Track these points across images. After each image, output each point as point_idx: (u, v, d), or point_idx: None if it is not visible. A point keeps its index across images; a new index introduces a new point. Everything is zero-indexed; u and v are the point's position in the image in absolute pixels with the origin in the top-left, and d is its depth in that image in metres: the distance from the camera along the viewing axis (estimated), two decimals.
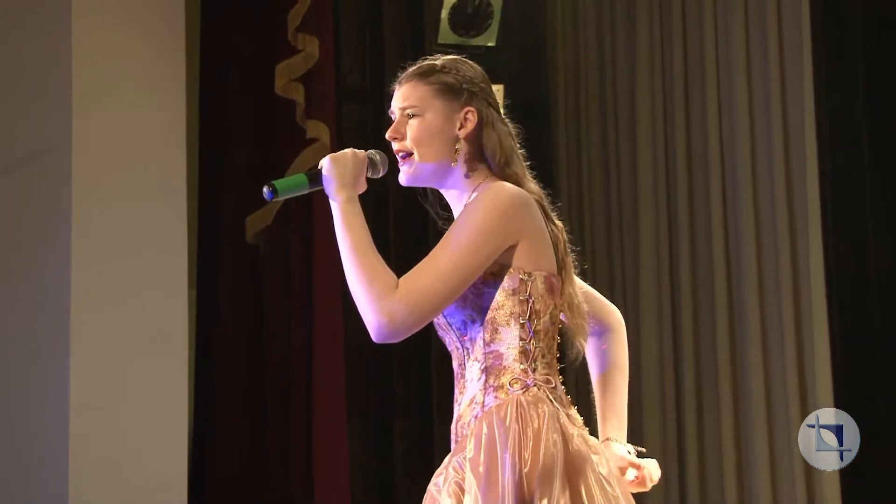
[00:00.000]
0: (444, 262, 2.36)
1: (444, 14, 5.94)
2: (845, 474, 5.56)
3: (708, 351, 6.07)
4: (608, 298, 6.72)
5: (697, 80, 6.19)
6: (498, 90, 5.78)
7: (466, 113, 2.52)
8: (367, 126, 6.00)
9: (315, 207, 5.32)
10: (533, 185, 2.55)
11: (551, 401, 2.41)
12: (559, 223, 2.57)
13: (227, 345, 5.46)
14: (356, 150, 2.50)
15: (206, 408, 5.43)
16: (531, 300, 2.42)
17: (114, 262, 4.78)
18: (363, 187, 2.48)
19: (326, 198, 2.47)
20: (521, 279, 2.42)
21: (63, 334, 4.65)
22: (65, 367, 4.63)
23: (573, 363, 2.58)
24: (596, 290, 6.69)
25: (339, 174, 2.44)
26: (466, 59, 2.60)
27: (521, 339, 2.42)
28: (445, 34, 5.96)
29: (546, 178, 7.16)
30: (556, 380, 2.47)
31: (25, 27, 4.91)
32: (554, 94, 6.63)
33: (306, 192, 2.48)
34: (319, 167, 2.47)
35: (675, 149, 6.22)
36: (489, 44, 6.03)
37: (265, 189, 2.44)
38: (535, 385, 2.41)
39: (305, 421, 5.34)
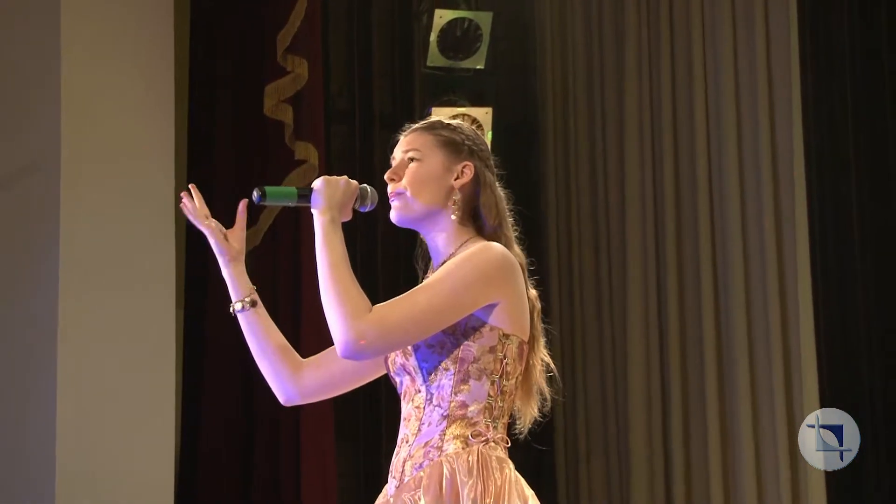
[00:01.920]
0: (422, 300, 2.42)
1: (433, 37, 5.96)
2: (831, 476, 5.59)
3: (695, 369, 6.09)
4: (595, 320, 6.71)
5: (686, 102, 6.21)
6: (487, 113, 5.84)
7: (464, 167, 2.59)
8: (355, 148, 6.02)
9: (303, 229, 5.32)
10: (518, 251, 2.61)
11: (510, 461, 2.48)
12: (534, 291, 2.62)
13: (215, 365, 5.45)
14: (350, 179, 2.57)
15: (192, 428, 5.42)
16: (505, 360, 2.49)
17: (102, 281, 4.78)
18: (348, 216, 2.55)
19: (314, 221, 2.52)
20: (500, 338, 2.48)
21: (50, 354, 4.64)
22: (51, 386, 4.62)
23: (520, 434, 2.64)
24: (584, 311, 6.69)
25: (328, 195, 2.52)
26: (471, 127, 2.71)
27: (490, 395, 2.48)
28: (434, 57, 5.98)
29: (534, 200, 7.21)
30: (509, 441, 2.53)
31: (13, 45, 4.92)
32: (543, 117, 6.66)
33: (292, 205, 2.58)
34: (312, 185, 2.54)
35: (664, 171, 6.24)
36: (478, 67, 6.05)
37: (255, 192, 2.55)
38: (493, 441, 2.48)
39: (293, 441, 5.32)
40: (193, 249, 5.53)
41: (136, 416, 4.80)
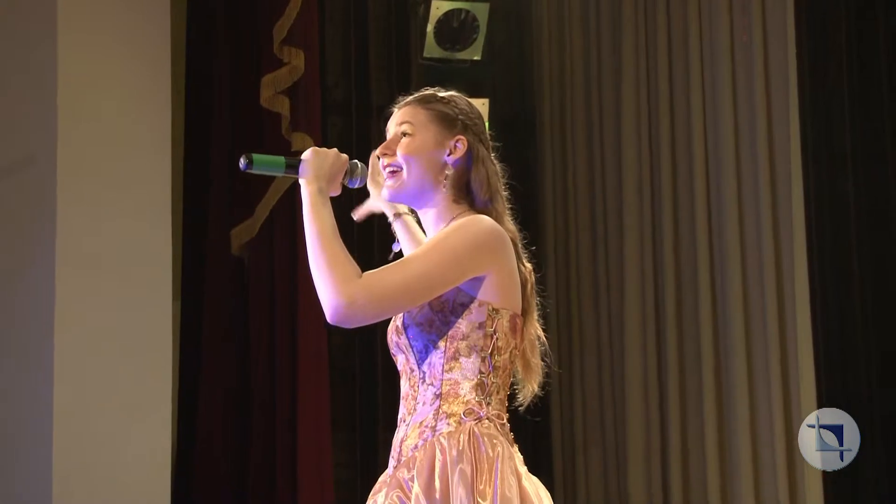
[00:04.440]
0: (412, 268, 2.41)
1: (430, 28, 5.95)
2: (828, 476, 5.61)
3: (693, 359, 6.09)
4: (592, 311, 6.67)
5: (683, 95, 6.21)
6: (483, 104, 5.83)
7: (457, 141, 2.58)
8: (351, 138, 6.01)
9: (300, 219, 5.31)
10: (511, 225, 2.60)
11: (503, 438, 2.46)
12: (528, 265, 2.61)
13: (211, 356, 5.46)
14: (340, 153, 2.55)
15: (189, 420, 5.43)
16: (496, 336, 2.48)
17: (98, 274, 4.78)
18: (337, 190, 2.55)
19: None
20: (489, 314, 2.47)
21: (47, 347, 4.64)
22: (48, 379, 4.62)
23: (520, 406, 2.63)
24: (580, 302, 6.64)
25: (316, 166, 2.51)
26: (465, 97, 2.68)
27: (481, 371, 2.47)
28: (431, 48, 5.98)
29: (531, 191, 7.19)
30: (505, 417, 2.52)
31: (10, 41, 4.91)
32: (539, 108, 6.65)
33: (280, 174, 2.56)
34: (301, 156, 2.53)
35: (661, 162, 6.24)
36: (475, 58, 6.05)
37: (242, 159, 2.51)
38: (487, 418, 2.46)
39: (290, 433, 5.33)
40: (191, 241, 5.54)
41: (133, 407, 4.80)
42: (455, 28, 5.99)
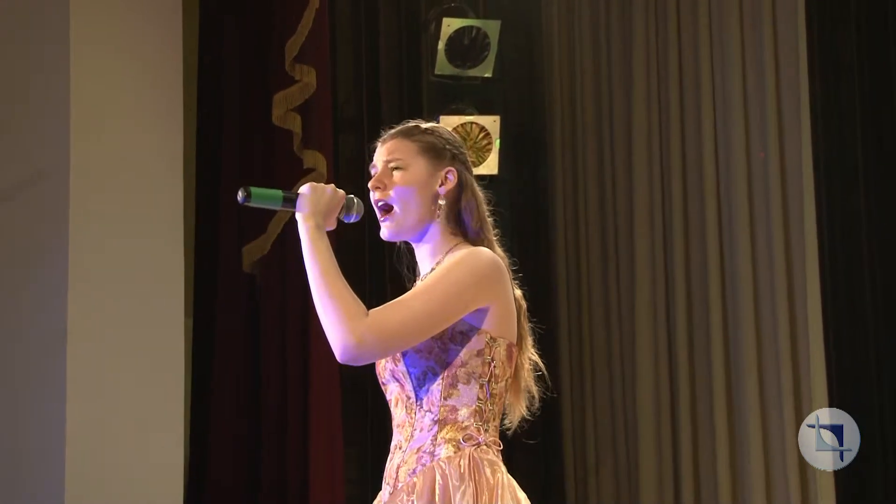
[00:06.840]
0: (417, 304, 2.43)
1: (441, 45, 5.96)
2: (840, 485, 5.59)
3: (704, 380, 6.09)
4: (604, 328, 6.66)
5: (694, 111, 6.21)
6: (494, 121, 5.84)
7: (448, 172, 2.61)
8: (363, 156, 6.01)
9: None
10: (501, 251, 2.63)
11: (501, 464, 2.49)
12: (519, 291, 2.65)
13: (224, 374, 5.46)
14: (337, 188, 2.57)
15: (201, 437, 5.43)
16: (493, 364, 2.51)
17: (110, 290, 4.78)
18: (333, 224, 2.56)
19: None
20: (487, 342, 2.50)
21: (59, 364, 4.64)
22: (61, 396, 4.62)
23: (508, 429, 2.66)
24: (591, 320, 6.63)
25: (313, 202, 2.52)
26: (446, 128, 2.72)
27: (479, 399, 2.50)
28: (442, 65, 5.99)
29: (542, 208, 7.17)
30: (500, 443, 2.55)
31: (23, 57, 4.93)
32: (550, 125, 6.66)
33: (277, 208, 2.57)
34: (298, 190, 2.54)
35: (672, 179, 6.24)
36: (486, 75, 6.06)
37: (240, 192, 2.51)
38: (485, 444, 2.49)
39: (301, 450, 5.33)
40: (203, 258, 5.55)
41: (146, 423, 4.80)
42: (466, 45, 6.00)
